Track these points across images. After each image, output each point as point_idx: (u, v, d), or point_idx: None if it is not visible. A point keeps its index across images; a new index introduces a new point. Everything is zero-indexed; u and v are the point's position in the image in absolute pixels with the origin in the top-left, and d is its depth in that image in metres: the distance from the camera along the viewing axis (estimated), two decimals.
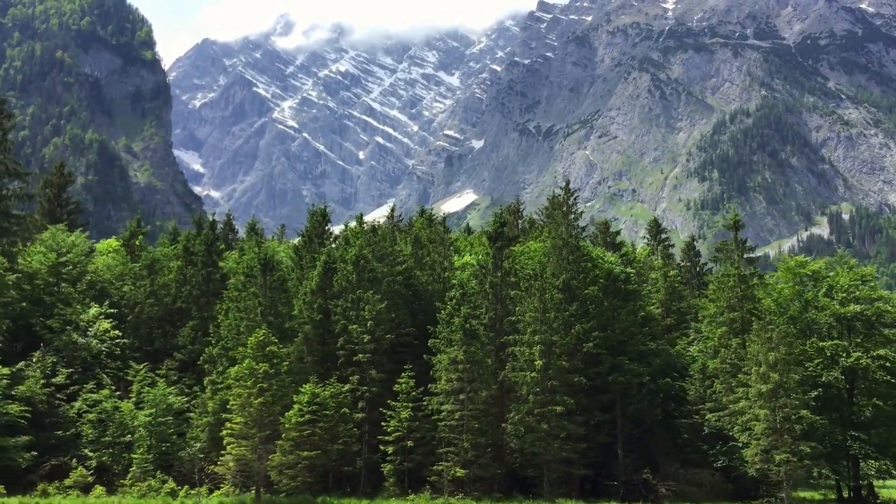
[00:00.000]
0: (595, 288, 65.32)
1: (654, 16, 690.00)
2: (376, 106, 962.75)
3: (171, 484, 52.86)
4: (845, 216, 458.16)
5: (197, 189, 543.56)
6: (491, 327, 60.22)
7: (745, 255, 66.58)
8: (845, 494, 64.57)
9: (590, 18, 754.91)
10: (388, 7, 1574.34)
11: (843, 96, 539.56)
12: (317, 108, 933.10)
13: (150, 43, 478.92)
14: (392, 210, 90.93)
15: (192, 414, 61.58)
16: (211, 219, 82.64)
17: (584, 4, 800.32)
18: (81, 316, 67.51)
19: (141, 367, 64.66)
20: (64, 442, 57.88)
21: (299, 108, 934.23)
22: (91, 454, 57.50)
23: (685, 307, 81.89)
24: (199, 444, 58.61)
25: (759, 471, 55.56)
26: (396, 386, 57.47)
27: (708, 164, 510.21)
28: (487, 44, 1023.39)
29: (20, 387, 56.66)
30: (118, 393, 61.56)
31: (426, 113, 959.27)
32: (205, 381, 62.19)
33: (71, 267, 72.15)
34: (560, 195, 75.00)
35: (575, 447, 56.77)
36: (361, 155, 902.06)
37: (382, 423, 56.52)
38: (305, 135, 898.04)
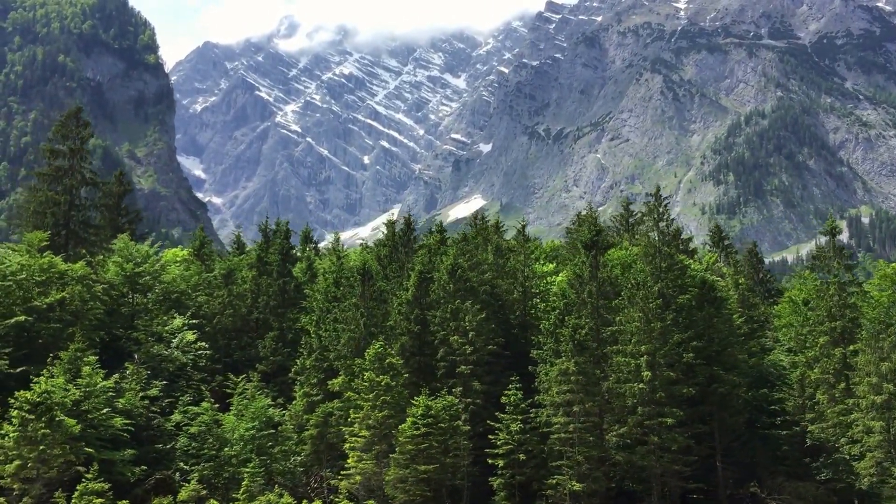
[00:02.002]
0: (687, 297, 63.81)
1: (665, 16, 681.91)
2: (381, 109, 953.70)
3: (287, 498, 50.65)
4: (865, 220, 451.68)
5: (198, 195, 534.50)
6: (591, 338, 59.12)
7: (843, 263, 66.19)
8: None
9: (600, 19, 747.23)
10: (392, 8, 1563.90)
11: (860, 97, 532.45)
12: (320, 112, 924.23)
13: (152, 47, 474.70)
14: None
15: (282, 427, 60.75)
16: (284, 227, 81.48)
17: (594, 4, 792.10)
18: (166, 327, 66.31)
19: (239, 379, 63.72)
20: (163, 455, 56.58)
21: (302, 112, 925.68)
22: (188, 468, 56.33)
23: (757, 315, 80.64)
24: (299, 458, 58.87)
25: (871, 484, 54.81)
26: (503, 398, 56.59)
27: (723, 167, 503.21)
28: (494, 45, 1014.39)
29: (120, 400, 55.10)
30: (217, 405, 60.13)
31: (432, 116, 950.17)
32: (297, 393, 62.49)
33: (148, 277, 70.46)
34: (651, 202, 72.08)
35: (685, 460, 56.02)
36: (366, 160, 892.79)
37: (490, 436, 55.86)
38: (309, 139, 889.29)
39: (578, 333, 55.00)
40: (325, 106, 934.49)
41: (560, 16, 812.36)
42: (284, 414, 62.11)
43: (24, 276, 58.57)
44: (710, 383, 60.04)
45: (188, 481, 54.67)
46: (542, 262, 79.68)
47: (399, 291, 64.45)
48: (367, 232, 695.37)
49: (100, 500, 45.24)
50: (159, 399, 59.74)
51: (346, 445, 54.37)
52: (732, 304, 72.52)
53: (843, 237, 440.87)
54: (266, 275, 75.65)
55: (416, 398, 54.46)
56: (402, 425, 52.75)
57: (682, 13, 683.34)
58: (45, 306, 58.05)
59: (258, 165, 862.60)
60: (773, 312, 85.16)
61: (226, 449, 56.65)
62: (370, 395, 52.98)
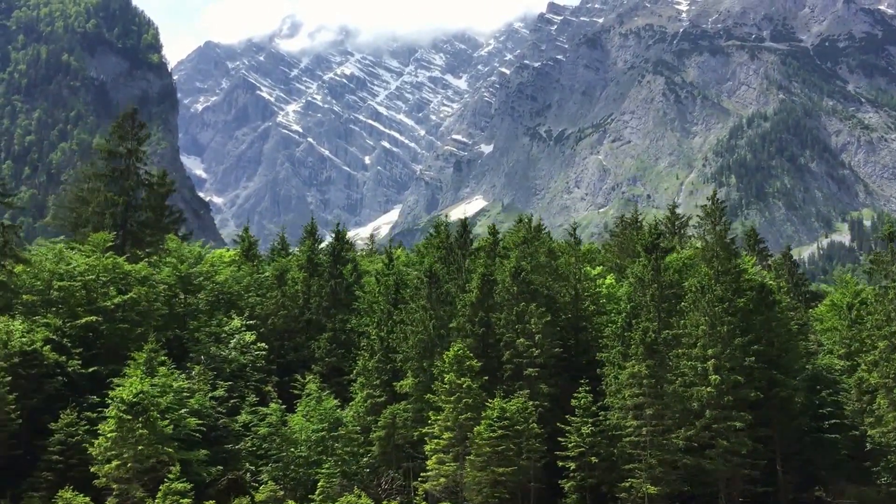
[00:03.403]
0: (744, 300, 63.98)
1: (667, 18, 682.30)
2: (382, 110, 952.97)
3: (365, 499, 51.06)
4: (867, 222, 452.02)
5: (200, 195, 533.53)
6: (659, 341, 59.19)
7: None
8: None
9: (601, 20, 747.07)
10: (394, 8, 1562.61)
11: (862, 100, 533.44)
12: (322, 112, 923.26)
13: (156, 46, 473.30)
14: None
15: (343, 427, 60.45)
16: (337, 229, 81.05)
17: (596, 6, 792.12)
18: (224, 328, 66.20)
19: (306, 380, 64.09)
20: (231, 456, 56.79)
21: (304, 112, 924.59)
22: (255, 468, 56.82)
23: (798, 318, 79.62)
24: (364, 459, 59.12)
25: None
26: (573, 400, 56.97)
27: (725, 170, 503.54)
28: (496, 46, 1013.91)
29: (190, 400, 55.37)
30: (284, 406, 60.39)
31: (433, 117, 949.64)
32: (358, 394, 62.59)
33: (202, 278, 70.40)
34: (708, 205, 69.48)
35: (755, 464, 56.75)
36: (367, 160, 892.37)
37: (560, 439, 56.05)
38: (310, 139, 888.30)
39: (648, 336, 55.30)
40: (326, 106, 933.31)
41: (562, 17, 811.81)
42: (346, 415, 62.01)
43: (92, 276, 58.92)
44: (771, 387, 60.55)
45: (258, 482, 55.31)
46: (589, 265, 79.48)
47: (461, 294, 64.55)
48: (367, 232, 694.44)
49: (186, 500, 45.62)
50: (224, 400, 59.84)
51: (427, 448, 54.39)
52: (783, 307, 72.89)
53: (845, 240, 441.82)
54: (317, 276, 75.62)
55: (489, 400, 54.70)
56: (477, 427, 52.92)
57: (683, 15, 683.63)
58: (112, 306, 58.38)
59: (259, 165, 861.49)
60: (812, 316, 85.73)
61: (292, 449, 57.00)
62: (451, 398, 53.15)
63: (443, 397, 53.94)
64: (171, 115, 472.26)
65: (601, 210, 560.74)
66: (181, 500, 45.38)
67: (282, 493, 52.10)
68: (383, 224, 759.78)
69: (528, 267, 63.80)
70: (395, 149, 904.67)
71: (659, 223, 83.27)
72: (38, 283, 59.82)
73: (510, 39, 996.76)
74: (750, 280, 65.92)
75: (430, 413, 55.07)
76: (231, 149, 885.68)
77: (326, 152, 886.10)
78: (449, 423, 53.00)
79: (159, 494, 46.09)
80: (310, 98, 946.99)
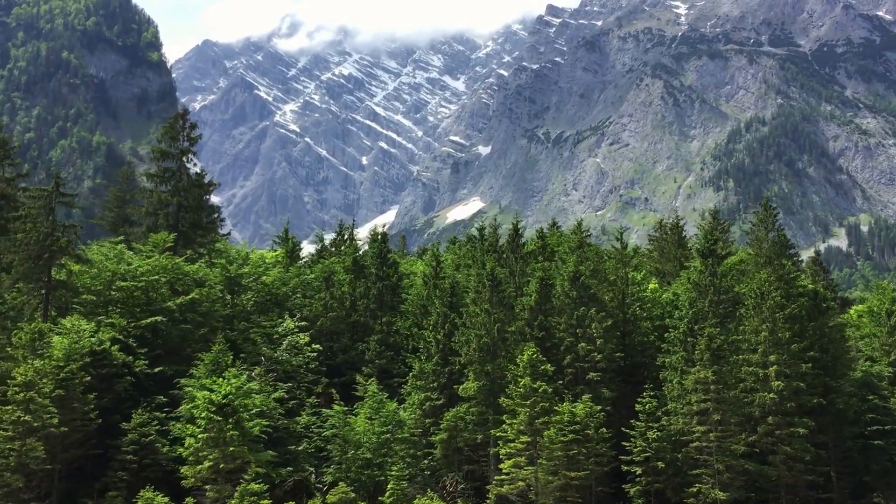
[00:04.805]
0: (796, 306, 63.54)
1: (666, 21, 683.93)
2: (380, 110, 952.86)
3: (438, 502, 51.32)
4: (864, 228, 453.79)
5: None
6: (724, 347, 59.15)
7: None
8: None
9: (600, 23, 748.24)
10: (392, 9, 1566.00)
11: (860, 105, 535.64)
12: (319, 112, 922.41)
13: (156, 44, 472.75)
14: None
15: (399, 430, 60.52)
16: (383, 230, 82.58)
17: (595, 9, 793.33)
18: (278, 328, 66.36)
19: (368, 382, 63.71)
20: (294, 457, 56.86)
21: (301, 112, 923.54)
22: (316, 470, 56.87)
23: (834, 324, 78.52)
24: (425, 462, 59.24)
25: None
26: (637, 405, 57.18)
27: (723, 173, 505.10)
28: (494, 48, 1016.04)
29: (256, 401, 54.48)
30: (346, 408, 60.68)
31: (431, 118, 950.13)
32: (413, 397, 62.59)
33: (251, 279, 70.45)
34: (760, 212, 69.43)
35: (818, 470, 57.12)
36: (365, 160, 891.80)
37: (624, 443, 56.29)
38: (307, 139, 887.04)
39: (714, 342, 55.36)
40: (323, 106, 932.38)
41: (560, 20, 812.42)
42: (404, 417, 61.81)
43: (154, 277, 58.88)
44: (827, 393, 60.73)
45: (321, 483, 55.40)
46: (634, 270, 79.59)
47: (519, 298, 64.65)
48: (364, 233, 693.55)
49: (265, 502, 45.65)
50: (284, 401, 59.81)
51: (501, 451, 54.34)
52: (834, 313, 72.75)
53: (843, 245, 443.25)
54: (363, 278, 75.81)
55: (557, 405, 54.85)
56: (547, 431, 53.03)
57: (682, 19, 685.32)
58: (174, 307, 58.35)
59: (256, 164, 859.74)
60: (846, 322, 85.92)
61: (351, 452, 56.93)
62: (526, 402, 53.28)
63: (517, 401, 54.01)
64: (171, 114, 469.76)
65: (599, 213, 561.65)
66: (260, 502, 45.38)
67: (353, 494, 51.90)
68: (380, 225, 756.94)
69: (585, 272, 63.97)
70: (392, 149, 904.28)
71: (714, 228, 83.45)
72: (98, 283, 59.73)
73: (508, 41, 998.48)
74: (801, 286, 66.07)
75: (494, 416, 55.19)
76: (228, 148, 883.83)
77: (324, 152, 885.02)
78: (523, 427, 53.13)
79: (236, 495, 46.15)
80: (307, 98, 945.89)
